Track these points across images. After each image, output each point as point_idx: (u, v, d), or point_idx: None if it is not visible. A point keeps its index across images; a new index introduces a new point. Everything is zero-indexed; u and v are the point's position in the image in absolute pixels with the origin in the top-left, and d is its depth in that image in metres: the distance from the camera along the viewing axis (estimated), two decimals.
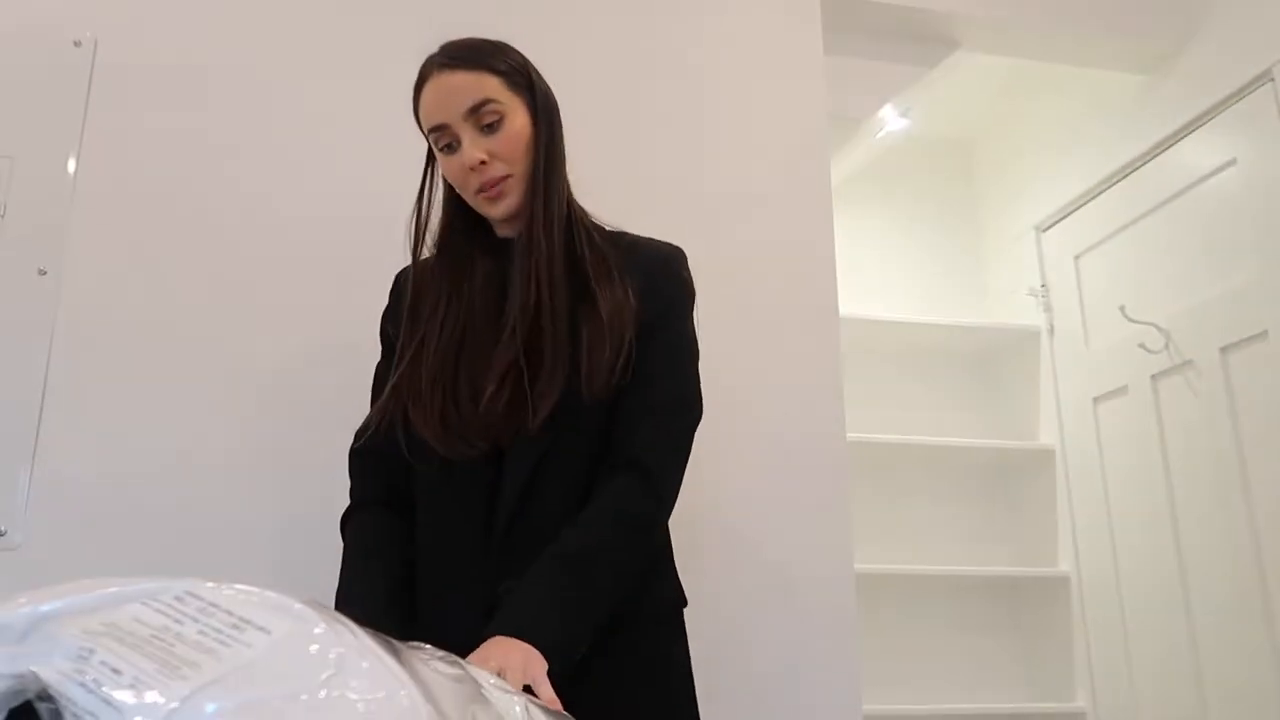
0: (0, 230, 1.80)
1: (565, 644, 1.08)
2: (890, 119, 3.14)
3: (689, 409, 1.30)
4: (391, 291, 1.45)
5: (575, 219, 1.33)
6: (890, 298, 3.28)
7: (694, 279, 1.38)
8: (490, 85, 1.28)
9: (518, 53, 1.35)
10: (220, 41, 1.99)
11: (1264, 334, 2.32)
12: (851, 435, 2.11)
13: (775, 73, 2.23)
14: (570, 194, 1.35)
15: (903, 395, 3.18)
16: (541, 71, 1.38)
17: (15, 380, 1.74)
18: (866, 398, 2.96)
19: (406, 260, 1.40)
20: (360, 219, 1.95)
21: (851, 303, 2.71)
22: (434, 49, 1.34)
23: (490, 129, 1.28)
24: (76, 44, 1.91)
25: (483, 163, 1.27)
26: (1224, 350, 2.43)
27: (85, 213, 1.84)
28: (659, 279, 1.32)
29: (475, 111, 1.27)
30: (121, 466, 1.73)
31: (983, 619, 3.03)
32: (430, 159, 1.39)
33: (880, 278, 3.31)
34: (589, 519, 1.19)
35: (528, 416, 1.21)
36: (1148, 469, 2.64)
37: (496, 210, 1.31)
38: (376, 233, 1.95)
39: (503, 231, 1.36)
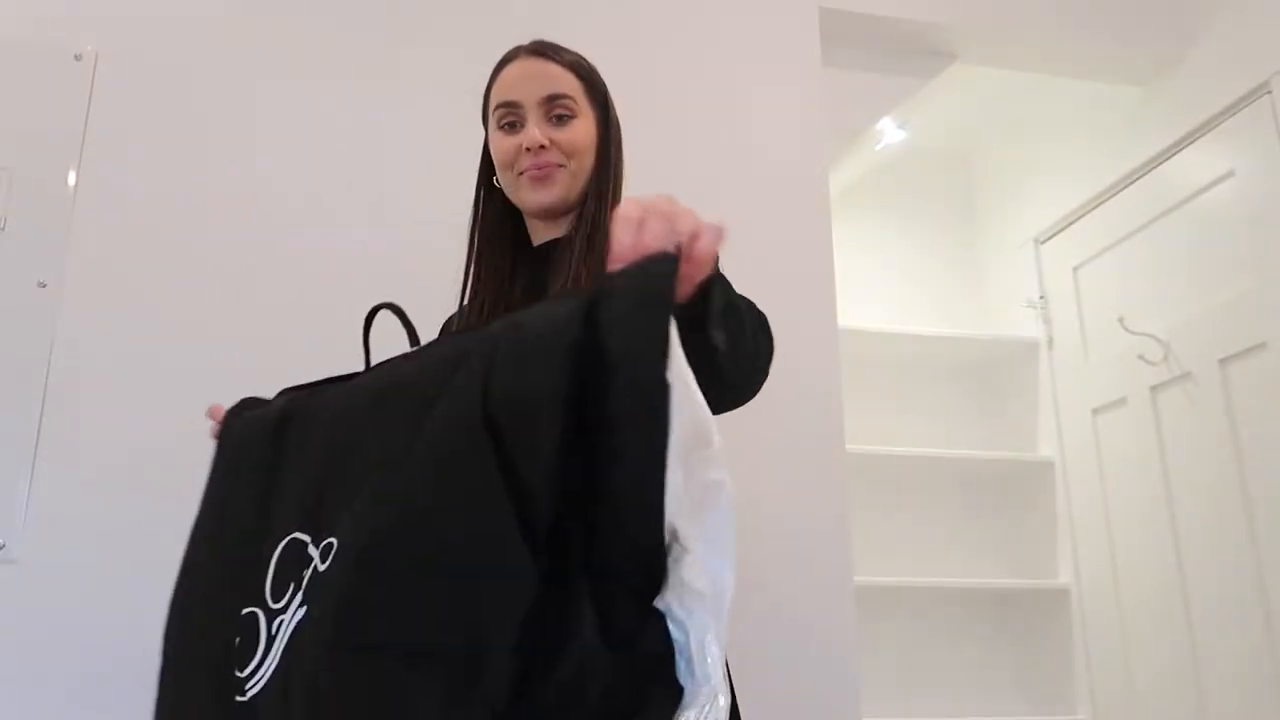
0: (0, 242, 1.80)
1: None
2: (889, 131, 3.14)
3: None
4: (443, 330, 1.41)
5: None
6: (889, 309, 3.28)
7: None
8: (571, 84, 1.30)
9: (600, 77, 1.36)
10: (220, 56, 1.99)
11: (1263, 345, 2.32)
12: (851, 447, 2.11)
13: (774, 85, 2.24)
14: None
15: (902, 407, 3.18)
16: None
17: (15, 393, 1.74)
18: (866, 409, 2.96)
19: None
20: (362, 233, 1.95)
21: (851, 314, 2.71)
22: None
23: (559, 120, 1.28)
24: (77, 57, 1.92)
25: (542, 147, 1.26)
26: (1223, 362, 2.43)
27: (85, 225, 1.84)
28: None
29: (551, 100, 1.28)
30: (121, 479, 1.73)
31: (982, 631, 3.03)
32: (481, 183, 1.36)
33: (879, 289, 3.31)
34: None
35: None
36: (1147, 480, 2.63)
37: (536, 196, 1.29)
38: (379, 246, 1.96)
39: (539, 236, 1.34)
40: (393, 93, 2.05)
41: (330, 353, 1.86)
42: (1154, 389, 2.64)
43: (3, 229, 1.80)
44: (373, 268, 1.91)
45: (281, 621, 0.81)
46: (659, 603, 0.69)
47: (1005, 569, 3.09)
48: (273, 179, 1.94)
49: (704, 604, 0.70)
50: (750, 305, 1.11)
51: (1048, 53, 2.57)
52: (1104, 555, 2.77)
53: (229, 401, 1.12)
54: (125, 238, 1.86)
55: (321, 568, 0.79)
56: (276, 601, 0.83)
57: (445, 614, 0.68)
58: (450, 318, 1.41)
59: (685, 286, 0.82)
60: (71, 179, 1.86)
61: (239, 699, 0.82)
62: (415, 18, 2.10)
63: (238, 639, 0.84)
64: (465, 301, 1.32)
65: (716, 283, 0.92)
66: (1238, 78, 2.41)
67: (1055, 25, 2.51)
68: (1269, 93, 2.34)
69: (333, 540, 0.79)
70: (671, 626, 0.69)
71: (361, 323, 1.05)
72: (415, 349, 0.96)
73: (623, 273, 0.73)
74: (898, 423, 3.13)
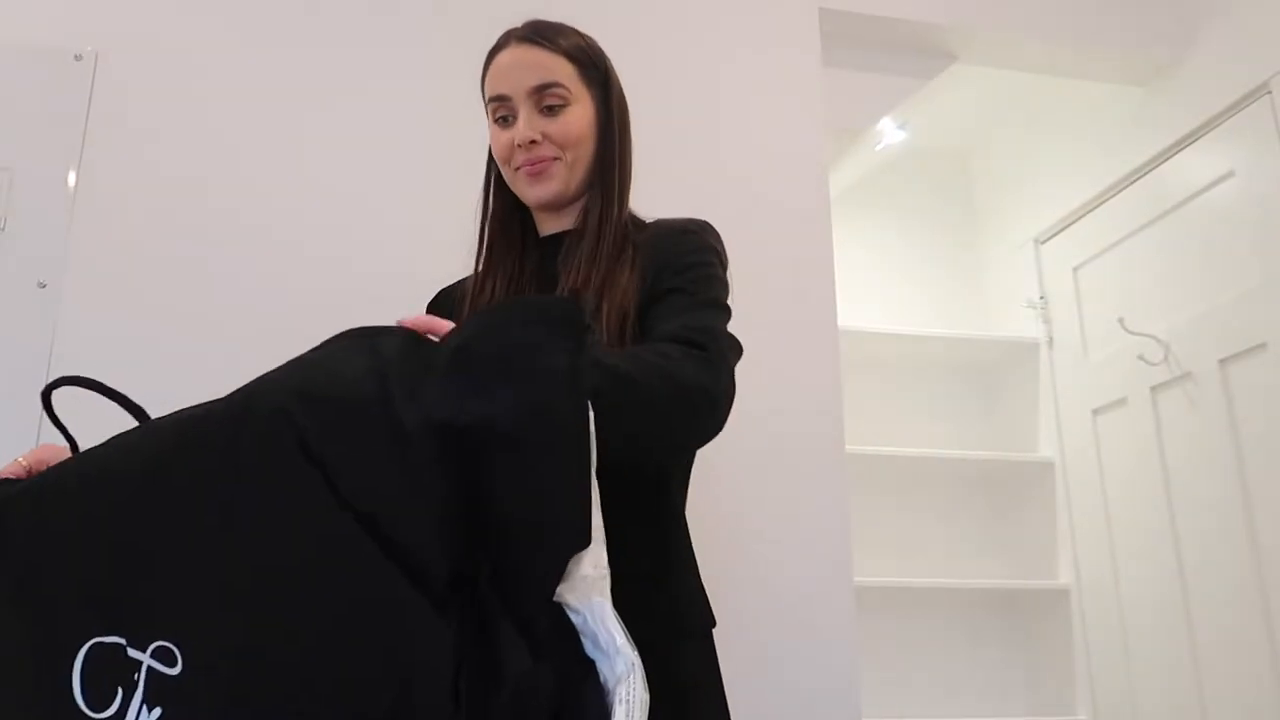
0: (0, 243, 1.80)
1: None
2: (889, 131, 3.14)
3: (716, 336, 1.14)
4: (431, 303, 1.38)
5: (628, 226, 1.27)
6: (889, 310, 3.28)
7: None
8: (562, 70, 1.26)
9: (600, 51, 1.33)
10: (221, 56, 2.00)
11: (1263, 346, 2.32)
12: (850, 447, 2.11)
13: (774, 85, 2.24)
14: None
15: (902, 407, 3.18)
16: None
17: (14, 393, 1.74)
18: (866, 410, 2.96)
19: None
20: (363, 232, 1.95)
21: (851, 314, 2.71)
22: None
23: (550, 111, 1.25)
24: (77, 58, 1.92)
25: (533, 142, 1.23)
26: (1223, 362, 2.43)
27: (85, 226, 1.84)
28: (667, 249, 1.23)
29: (540, 91, 1.25)
30: None
31: (983, 632, 3.03)
32: (489, 174, 1.35)
33: (879, 290, 3.31)
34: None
35: None
36: (1147, 481, 2.63)
37: (534, 191, 1.26)
38: (380, 246, 1.96)
39: (545, 228, 1.32)
40: (394, 92, 2.05)
41: None
42: (1154, 389, 2.64)
43: (3, 229, 1.81)
44: (374, 267, 1.91)
45: None
46: (556, 597, 0.73)
47: (1005, 569, 3.08)
48: (273, 179, 1.94)
49: (594, 586, 0.75)
50: (634, 354, 1.03)
51: (1048, 53, 2.57)
52: (1104, 555, 2.77)
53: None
54: (125, 238, 1.86)
55: (170, 672, 0.75)
56: (100, 710, 0.78)
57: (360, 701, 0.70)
58: (447, 290, 1.38)
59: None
60: (71, 179, 1.86)
61: None
62: (417, 18, 2.10)
63: None
64: (476, 290, 1.30)
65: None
66: (1238, 78, 2.41)
67: (1055, 25, 2.51)
68: (1269, 93, 2.34)
69: (170, 645, 0.75)
70: (570, 615, 0.74)
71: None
72: (164, 417, 0.91)
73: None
74: (898, 423, 3.13)
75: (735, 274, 1.31)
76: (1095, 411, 2.86)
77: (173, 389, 1.80)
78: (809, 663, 1.89)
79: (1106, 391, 2.82)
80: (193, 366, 1.80)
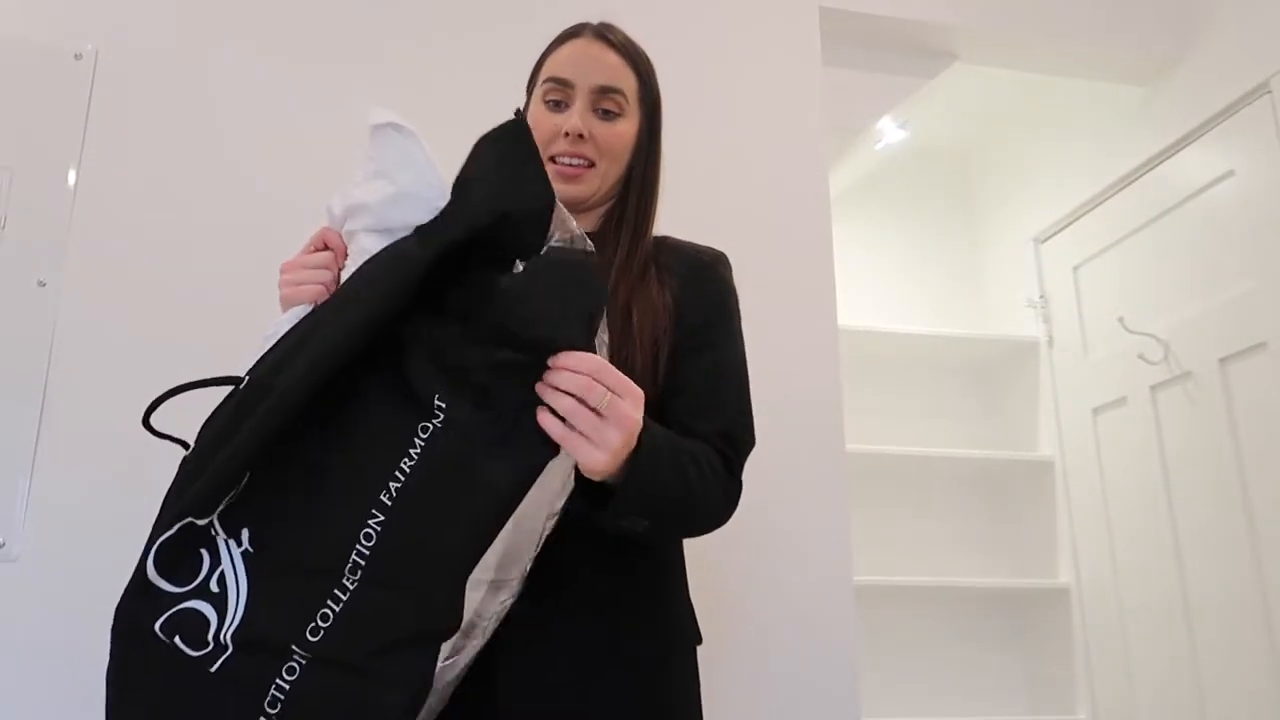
0: (0, 242, 1.80)
1: (658, 450, 1.00)
2: (889, 131, 3.14)
3: (747, 433, 1.22)
4: None
5: (651, 245, 1.28)
6: (889, 309, 3.28)
7: None
8: (628, 81, 1.27)
9: (655, 80, 1.34)
10: (220, 54, 2.00)
11: (1263, 345, 2.32)
12: (851, 446, 2.11)
13: (774, 84, 2.23)
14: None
15: (902, 406, 3.18)
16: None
17: (14, 392, 1.74)
18: (866, 409, 2.97)
19: None
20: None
21: (850, 314, 2.71)
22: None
23: (605, 116, 1.25)
24: (77, 57, 1.92)
25: (581, 136, 1.22)
26: (1223, 361, 2.43)
27: (85, 225, 1.84)
28: (698, 285, 1.25)
29: (603, 93, 1.25)
30: (121, 478, 1.73)
31: (982, 631, 3.03)
32: None
33: (879, 289, 3.31)
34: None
35: None
36: (1147, 480, 2.63)
37: (561, 188, 1.20)
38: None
39: None
40: (395, 92, 2.05)
41: None
42: (1154, 388, 2.64)
43: (2, 228, 1.81)
44: None
45: None
46: None
47: (1005, 568, 3.09)
48: (274, 178, 1.94)
49: None
50: (695, 458, 1.10)
51: (1048, 52, 2.57)
52: (1104, 554, 2.77)
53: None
54: (125, 237, 1.86)
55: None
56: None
57: None
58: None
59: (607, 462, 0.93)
60: (71, 178, 1.86)
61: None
62: (417, 18, 2.10)
63: None
64: None
65: (642, 459, 0.97)
66: (1238, 77, 2.41)
67: (1055, 25, 2.51)
68: (1269, 92, 2.34)
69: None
70: None
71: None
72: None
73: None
74: (898, 422, 3.13)
75: (735, 273, 1.32)
76: (1095, 410, 2.86)
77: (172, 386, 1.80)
78: (809, 661, 1.89)
79: (1106, 390, 2.82)
80: (193, 365, 1.79)
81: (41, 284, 1.80)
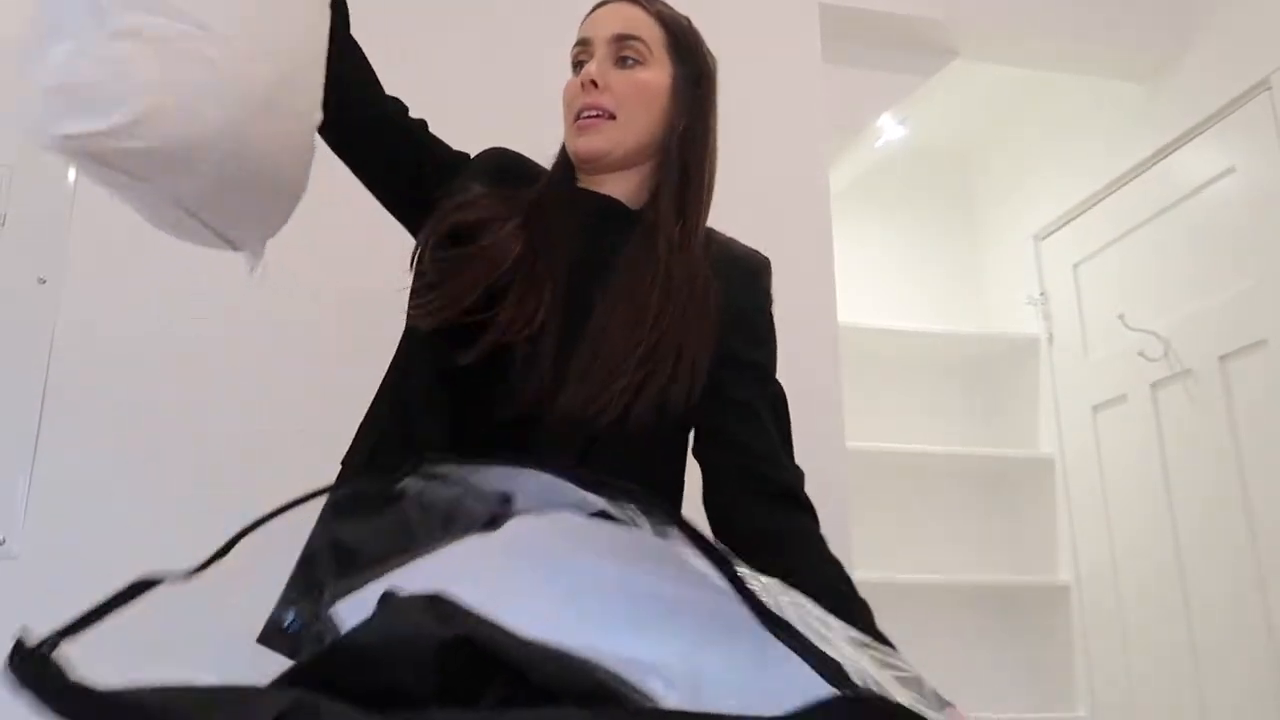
0: (0, 239, 1.80)
1: None
2: (889, 128, 3.14)
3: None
4: (476, 157, 1.29)
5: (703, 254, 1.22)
6: (889, 306, 3.28)
7: None
8: (648, 29, 1.19)
9: (700, 39, 1.26)
10: None
11: (1263, 342, 2.32)
12: (850, 444, 2.11)
13: (774, 82, 2.23)
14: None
15: (902, 404, 3.18)
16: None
17: (15, 388, 1.74)
18: (866, 406, 2.96)
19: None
20: (366, 232, 1.95)
21: (850, 311, 2.71)
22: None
23: (623, 63, 1.17)
24: None
25: (594, 83, 1.15)
26: (1223, 358, 2.43)
27: (85, 222, 1.84)
28: (745, 294, 1.23)
29: (619, 40, 1.18)
30: (121, 475, 1.73)
31: (982, 628, 3.03)
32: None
33: (879, 286, 3.31)
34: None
35: (610, 414, 1.06)
36: (1147, 477, 2.64)
37: (578, 142, 1.17)
38: (384, 245, 1.95)
39: (585, 181, 1.22)
40: (395, 92, 2.04)
41: (332, 348, 1.86)
42: (1154, 386, 2.64)
43: (3, 224, 1.81)
44: (376, 266, 1.90)
45: None
46: None
47: (1005, 566, 3.09)
48: None
49: None
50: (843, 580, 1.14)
51: (1048, 49, 2.57)
52: (1104, 552, 2.77)
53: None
54: (125, 234, 1.86)
55: None
56: None
57: None
58: (519, 161, 1.28)
59: None
60: (71, 176, 1.86)
61: None
62: (418, 18, 2.09)
63: None
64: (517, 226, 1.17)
65: None
66: (1238, 74, 2.41)
67: (1056, 22, 2.51)
68: (1269, 89, 2.34)
69: None
70: None
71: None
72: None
73: None
74: (898, 420, 3.13)
75: None
76: (1095, 408, 2.86)
77: (173, 386, 1.81)
78: None
79: (1106, 388, 2.82)
80: (193, 363, 1.80)
81: (42, 280, 1.80)
